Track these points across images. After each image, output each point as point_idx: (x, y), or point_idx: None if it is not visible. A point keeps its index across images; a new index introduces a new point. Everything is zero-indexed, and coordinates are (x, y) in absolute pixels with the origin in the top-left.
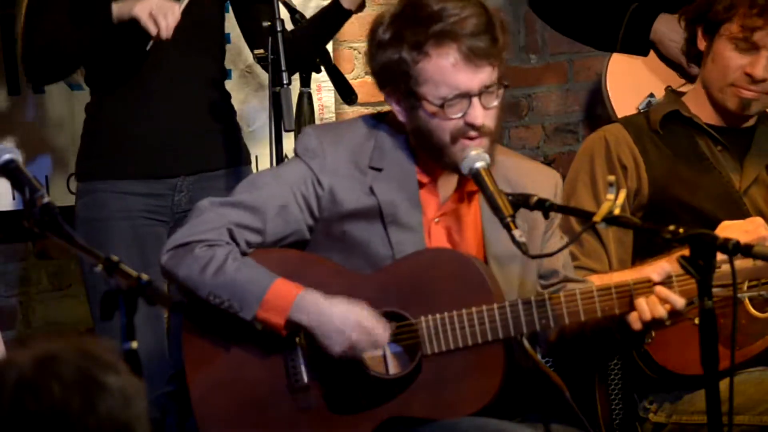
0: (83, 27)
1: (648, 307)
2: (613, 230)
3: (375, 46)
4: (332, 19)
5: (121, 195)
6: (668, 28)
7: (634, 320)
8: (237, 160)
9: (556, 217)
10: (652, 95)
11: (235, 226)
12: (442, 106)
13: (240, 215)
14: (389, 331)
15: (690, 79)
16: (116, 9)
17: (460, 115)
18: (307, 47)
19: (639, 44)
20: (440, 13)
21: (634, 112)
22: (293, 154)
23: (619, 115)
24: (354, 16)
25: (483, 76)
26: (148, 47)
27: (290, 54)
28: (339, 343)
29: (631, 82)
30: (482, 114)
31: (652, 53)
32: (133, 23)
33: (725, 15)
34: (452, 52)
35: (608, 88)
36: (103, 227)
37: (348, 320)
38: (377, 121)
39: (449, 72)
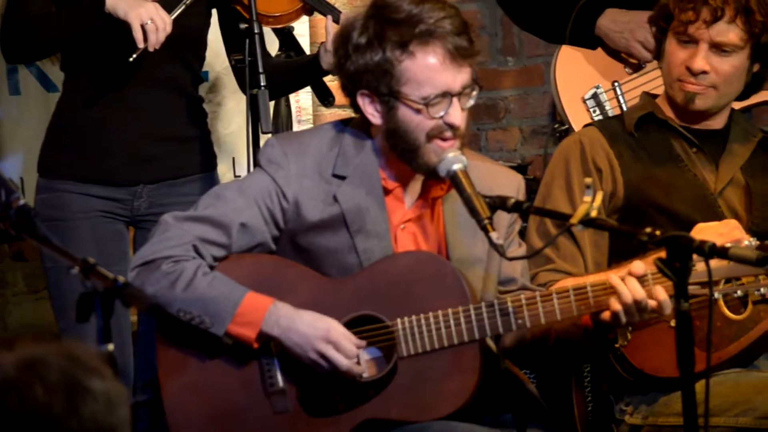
0: (70, 12)
1: (628, 288)
2: (589, 233)
3: (350, 49)
4: (308, 74)
5: (81, 196)
6: (611, 21)
7: (612, 307)
8: (201, 167)
9: (516, 224)
10: (598, 87)
11: (200, 242)
12: (425, 106)
13: (205, 230)
14: (360, 343)
15: (636, 68)
16: (110, 1)
17: (441, 114)
18: (274, 89)
19: (586, 38)
20: (420, 14)
21: (580, 103)
22: (256, 166)
23: (566, 107)
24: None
25: (464, 76)
26: (131, 59)
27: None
28: (309, 354)
29: (579, 73)
30: (461, 114)
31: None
32: (122, 24)
33: (670, 11)
34: (439, 50)
35: (556, 79)
36: (64, 227)
37: (317, 332)
38: (342, 128)
39: (433, 71)
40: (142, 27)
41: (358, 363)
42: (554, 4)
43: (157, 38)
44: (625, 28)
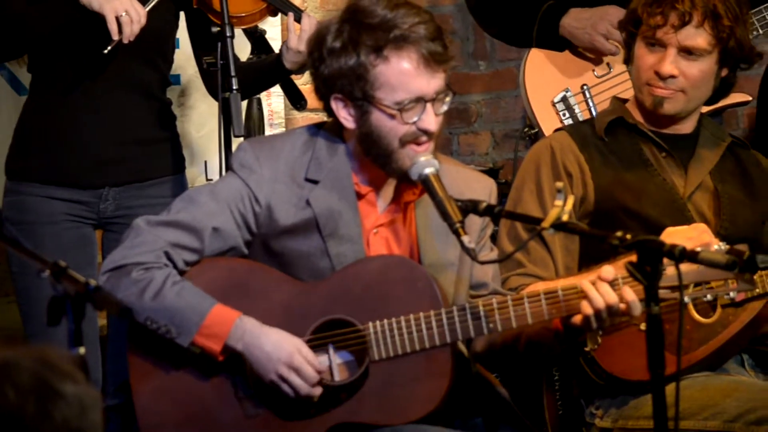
0: (40, 6)
1: (600, 292)
2: (560, 237)
3: (325, 53)
4: (272, 73)
5: (46, 199)
6: (574, 20)
7: (584, 311)
8: (168, 169)
9: (488, 228)
10: (567, 90)
11: (172, 247)
12: (399, 111)
13: (177, 235)
14: (321, 368)
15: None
16: None
17: (414, 119)
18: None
19: (552, 40)
20: (394, 20)
21: (550, 106)
22: (228, 169)
23: (535, 110)
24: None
25: (438, 81)
26: (106, 50)
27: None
28: (270, 375)
29: (548, 77)
30: (434, 120)
31: (570, 51)
32: (95, 16)
33: (638, 16)
34: (413, 56)
35: (525, 83)
36: (29, 230)
37: (281, 355)
38: (315, 131)
39: (408, 76)
40: (117, 19)
41: (320, 381)
42: (520, 9)
43: (131, 30)
44: (587, 24)
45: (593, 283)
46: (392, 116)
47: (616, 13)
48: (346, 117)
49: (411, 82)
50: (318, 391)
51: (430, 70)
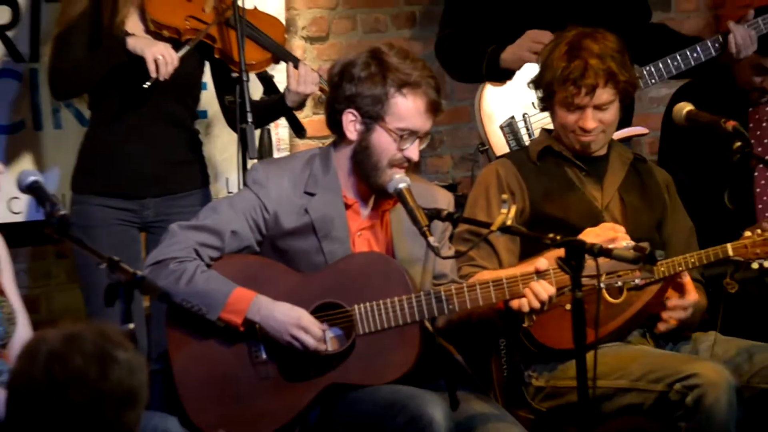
0: (99, 53)
1: (535, 292)
2: (503, 240)
3: (349, 78)
4: (275, 111)
5: (102, 207)
6: (508, 53)
7: (523, 305)
8: (196, 184)
9: (447, 231)
10: (513, 117)
11: (200, 246)
12: (399, 137)
13: (203, 237)
14: (324, 327)
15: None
16: (131, 41)
17: (406, 146)
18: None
19: (497, 74)
20: (411, 67)
21: (498, 129)
22: (244, 185)
23: (487, 131)
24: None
25: (430, 124)
26: (146, 85)
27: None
28: (284, 336)
29: (499, 105)
30: (417, 153)
31: (519, 84)
32: (139, 60)
33: (554, 89)
34: (424, 100)
35: (481, 108)
36: (90, 232)
37: (290, 319)
38: (312, 155)
39: (415, 112)
40: (155, 61)
41: (324, 342)
42: (472, 55)
43: (166, 70)
44: (516, 50)
45: (531, 287)
46: (392, 138)
47: (532, 33)
48: (352, 130)
49: (415, 118)
50: (323, 346)
51: (430, 114)
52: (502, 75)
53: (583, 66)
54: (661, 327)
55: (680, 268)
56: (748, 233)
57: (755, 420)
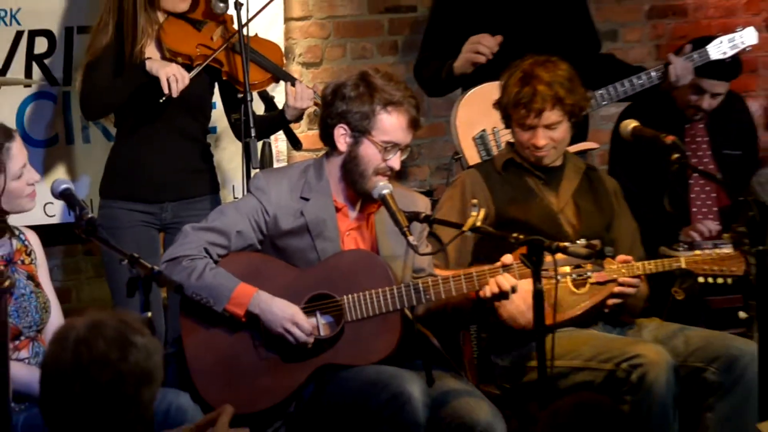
0: (123, 78)
1: (498, 283)
2: (456, 242)
3: (340, 97)
4: (275, 124)
5: (126, 211)
6: (458, 59)
7: (487, 292)
8: (208, 190)
9: (425, 231)
10: (484, 130)
11: (209, 245)
12: (384, 149)
13: (212, 237)
14: (313, 323)
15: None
16: (148, 63)
17: (390, 157)
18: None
19: (455, 82)
20: (395, 89)
21: (471, 140)
22: (248, 191)
23: (462, 142)
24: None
25: (410, 137)
26: (161, 100)
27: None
28: (278, 329)
29: (472, 118)
30: (399, 163)
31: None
32: (157, 81)
33: (509, 112)
34: (406, 116)
35: (456, 121)
36: (115, 232)
37: (285, 315)
38: (307, 165)
39: (398, 127)
40: (168, 80)
41: (313, 335)
42: (436, 73)
43: (177, 87)
44: (461, 55)
45: (497, 278)
46: (377, 150)
47: (473, 38)
48: (342, 142)
49: (398, 132)
50: (311, 340)
51: (410, 129)
52: (458, 82)
53: (531, 92)
54: (610, 302)
55: (638, 272)
56: (686, 232)
57: (690, 394)
